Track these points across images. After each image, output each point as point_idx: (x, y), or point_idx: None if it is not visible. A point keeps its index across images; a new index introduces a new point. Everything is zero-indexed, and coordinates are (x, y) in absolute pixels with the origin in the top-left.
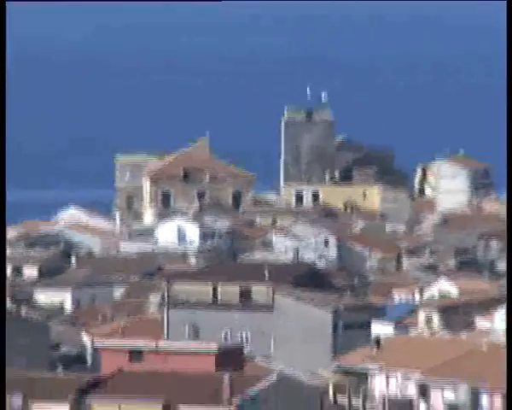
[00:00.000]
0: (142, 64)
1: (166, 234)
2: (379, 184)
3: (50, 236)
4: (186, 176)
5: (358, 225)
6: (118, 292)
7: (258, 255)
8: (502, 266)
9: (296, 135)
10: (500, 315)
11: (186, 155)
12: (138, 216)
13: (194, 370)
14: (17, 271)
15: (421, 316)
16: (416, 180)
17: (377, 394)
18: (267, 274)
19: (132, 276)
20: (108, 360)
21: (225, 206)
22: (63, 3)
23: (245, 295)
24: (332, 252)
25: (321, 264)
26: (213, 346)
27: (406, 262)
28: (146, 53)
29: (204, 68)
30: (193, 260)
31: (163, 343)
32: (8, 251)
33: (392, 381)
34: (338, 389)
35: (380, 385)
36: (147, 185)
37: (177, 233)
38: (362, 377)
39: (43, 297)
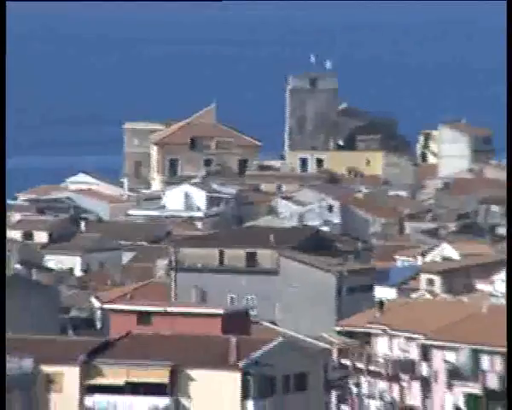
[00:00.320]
0: (149, 36)
1: (174, 200)
2: (382, 150)
3: (60, 201)
4: (193, 143)
5: (362, 191)
6: (126, 257)
7: (264, 221)
8: (502, 230)
9: (300, 103)
10: (500, 278)
11: (193, 123)
12: (146, 182)
13: (201, 333)
14: (28, 235)
15: (423, 279)
16: (419, 147)
17: (380, 356)
18: (272, 239)
19: (140, 241)
20: (117, 324)
21: (231, 172)
22: None
23: (251, 259)
24: (336, 217)
25: (325, 229)
26: (220, 310)
27: (408, 227)
28: (152, 25)
29: (211, 38)
30: (200, 226)
31: (171, 307)
32: (18, 216)
33: (395, 343)
34: (342, 351)
35: (383, 347)
36: (154, 152)
37: (184, 199)
38: (365, 340)
39: (54, 262)
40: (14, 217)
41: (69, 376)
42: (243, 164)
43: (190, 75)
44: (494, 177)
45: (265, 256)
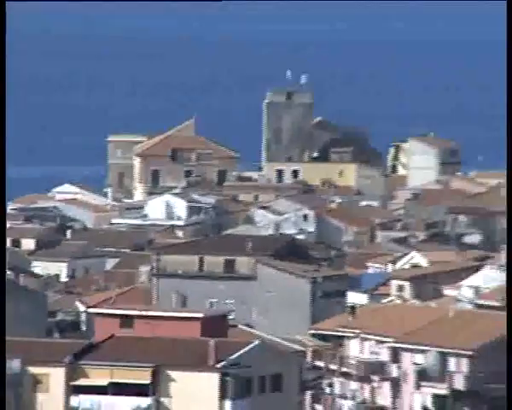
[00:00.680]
0: (130, 50)
1: (155, 209)
2: (354, 162)
3: (47, 210)
4: (174, 155)
5: (335, 201)
6: (110, 263)
7: (242, 229)
8: (468, 238)
9: (277, 116)
10: (466, 284)
11: (174, 136)
12: (129, 192)
13: (181, 336)
14: (16, 243)
15: (394, 286)
16: (389, 159)
17: (352, 358)
18: (250, 247)
19: (123, 248)
20: (101, 327)
21: (211, 183)
22: None
23: (229, 266)
24: (310, 226)
25: (300, 237)
26: (199, 314)
27: (379, 235)
28: (131, 40)
29: (190, 52)
30: (180, 234)
31: (152, 311)
32: (7, 224)
33: (366, 346)
34: (316, 353)
35: (354, 350)
36: (137, 164)
37: (165, 208)
38: (338, 343)
39: (40, 268)
40: None
41: (55, 377)
42: (222, 175)
43: (171, 90)
44: (460, 188)
45: (243, 263)
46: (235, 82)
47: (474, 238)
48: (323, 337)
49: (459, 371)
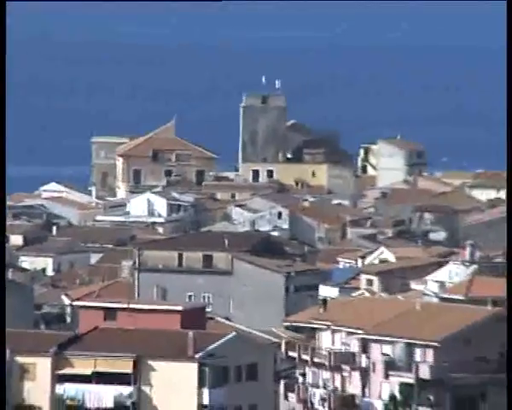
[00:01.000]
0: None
1: (137, 207)
2: (326, 163)
3: (34, 208)
4: (155, 156)
5: (308, 200)
6: (94, 258)
7: (219, 226)
8: (433, 235)
9: (253, 119)
10: (431, 278)
11: (155, 138)
12: (112, 191)
13: (161, 328)
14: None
15: (363, 280)
16: (359, 160)
17: (324, 348)
18: (227, 243)
19: (107, 244)
20: (85, 319)
21: (190, 182)
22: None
23: (207, 261)
24: (284, 223)
25: (275, 234)
26: (179, 306)
27: (350, 232)
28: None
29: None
30: (161, 230)
31: (134, 304)
32: None
33: (337, 337)
34: (289, 344)
35: (326, 341)
36: (120, 164)
37: (146, 206)
38: (310, 334)
39: (28, 263)
40: None
41: (42, 366)
42: (200, 175)
43: (154, 90)
44: (426, 187)
45: (221, 258)
46: (214, 88)
47: (439, 235)
48: (297, 329)
49: (425, 361)
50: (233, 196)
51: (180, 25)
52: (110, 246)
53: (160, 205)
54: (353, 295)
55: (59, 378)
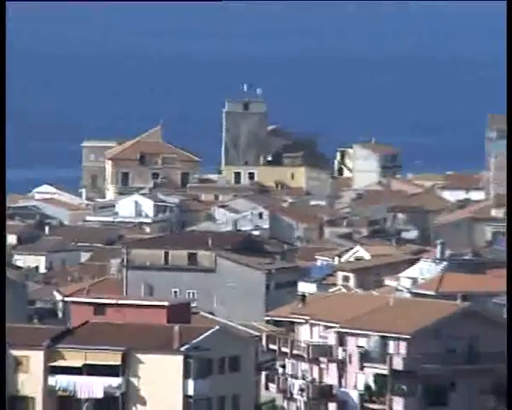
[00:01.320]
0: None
1: (125, 208)
2: (304, 166)
3: (27, 209)
4: (142, 159)
5: (287, 201)
6: (84, 257)
7: (203, 226)
8: (406, 234)
9: (235, 124)
10: (404, 275)
11: (142, 142)
12: (101, 192)
13: (148, 322)
14: None
15: (340, 276)
16: (336, 163)
17: (302, 341)
18: (210, 242)
19: (96, 243)
20: (76, 314)
21: (175, 184)
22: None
23: (192, 259)
24: (265, 223)
25: (256, 233)
26: (165, 302)
27: (327, 231)
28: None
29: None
30: (148, 230)
31: (122, 300)
32: None
33: (315, 331)
34: (270, 337)
35: (305, 334)
36: (108, 167)
37: (134, 207)
38: (290, 328)
39: (21, 261)
40: None
41: (35, 359)
42: (185, 177)
43: (140, 97)
44: (400, 189)
45: (204, 256)
46: (200, 93)
47: (411, 234)
48: (277, 323)
49: (398, 354)
50: (216, 197)
51: (167, 36)
52: (99, 245)
53: (147, 206)
54: (330, 291)
55: (51, 370)
